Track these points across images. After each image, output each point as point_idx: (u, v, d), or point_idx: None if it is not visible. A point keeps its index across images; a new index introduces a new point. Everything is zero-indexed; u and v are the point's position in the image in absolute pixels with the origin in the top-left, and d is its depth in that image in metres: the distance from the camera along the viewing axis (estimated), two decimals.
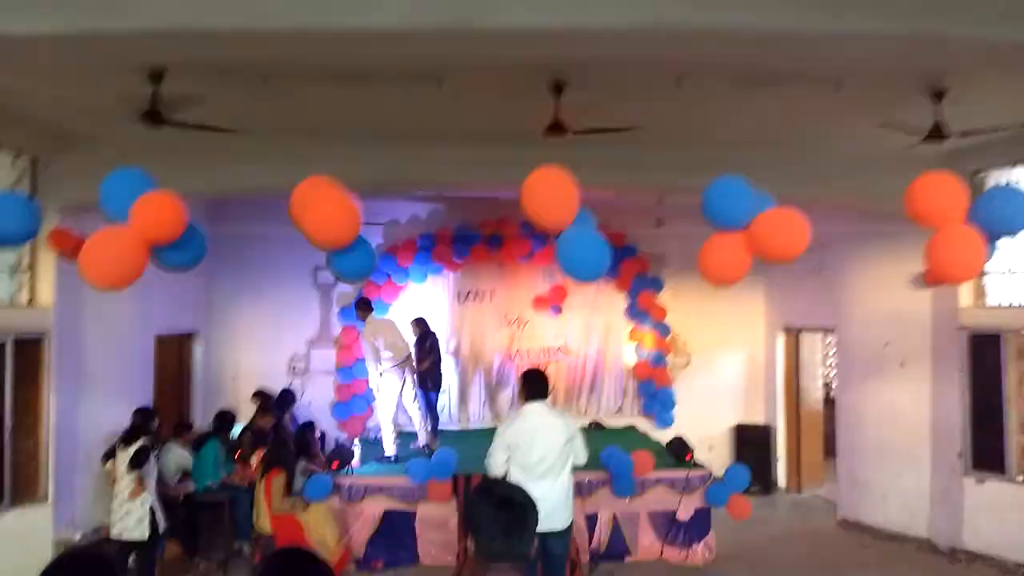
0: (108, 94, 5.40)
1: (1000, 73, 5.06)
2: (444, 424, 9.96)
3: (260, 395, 8.92)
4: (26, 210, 4.22)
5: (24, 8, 3.90)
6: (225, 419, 8.36)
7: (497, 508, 2.35)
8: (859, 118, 6.25)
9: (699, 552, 7.71)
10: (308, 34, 4.12)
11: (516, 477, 5.04)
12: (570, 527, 5.32)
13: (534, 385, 5.29)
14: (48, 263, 6.98)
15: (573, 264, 4.00)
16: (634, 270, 10.88)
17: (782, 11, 3.92)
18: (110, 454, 6.85)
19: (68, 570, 2.04)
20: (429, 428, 9.04)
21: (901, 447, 8.54)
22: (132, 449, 6.53)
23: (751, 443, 10.80)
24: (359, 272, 4.55)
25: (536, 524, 2.39)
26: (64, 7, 3.88)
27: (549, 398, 5.41)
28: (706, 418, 10.88)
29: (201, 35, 4.07)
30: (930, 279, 8.14)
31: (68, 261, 7.08)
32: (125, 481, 6.48)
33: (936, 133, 5.52)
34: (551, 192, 3.88)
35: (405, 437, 8.92)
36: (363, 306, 8.90)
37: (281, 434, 8.42)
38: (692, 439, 8.67)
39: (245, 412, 8.76)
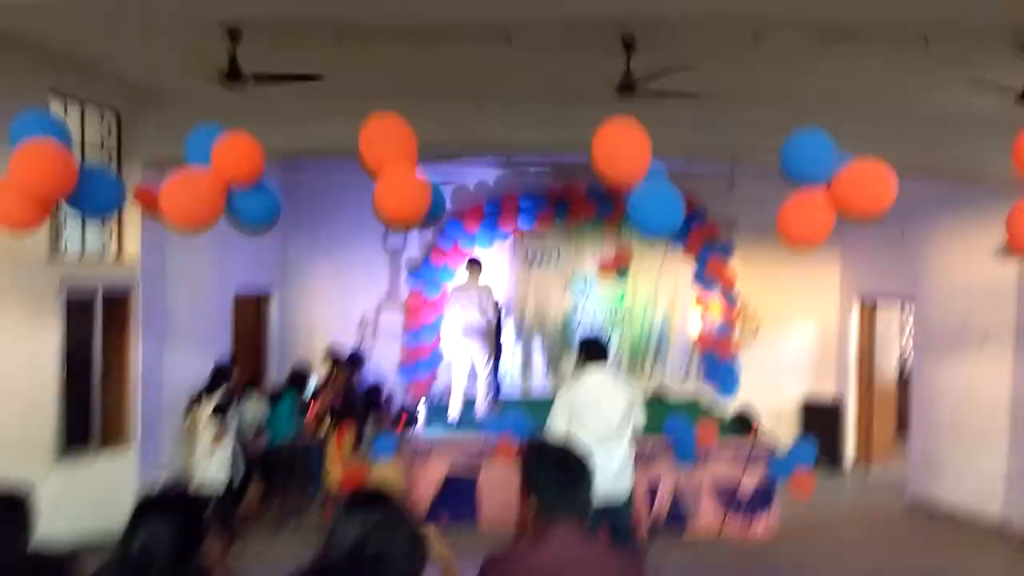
0: (190, 52, 5.59)
1: None
2: (506, 393, 10.08)
3: (331, 355, 9.18)
4: (112, 185, 4.39)
5: None
6: (300, 376, 8.66)
7: (552, 466, 2.40)
8: (947, 77, 5.96)
9: (761, 525, 7.65)
10: None
11: (579, 439, 5.08)
12: (632, 496, 5.34)
13: (593, 349, 5.30)
14: (134, 219, 7.27)
15: (645, 216, 3.85)
16: (703, 235, 10.62)
17: None
18: (194, 403, 7.20)
19: (161, 505, 2.16)
20: (490, 396, 9.20)
21: (978, 426, 8.23)
22: (215, 399, 6.85)
23: (820, 416, 10.57)
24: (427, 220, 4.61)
25: (592, 479, 2.42)
26: None
27: (610, 363, 5.39)
28: (773, 389, 10.66)
29: None
30: (1017, 249, 7.79)
31: (153, 217, 7.43)
32: (208, 430, 6.81)
33: None
34: (623, 144, 3.82)
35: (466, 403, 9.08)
36: (473, 265, 8.99)
37: (351, 393, 8.68)
38: (759, 410, 8.54)
39: (316, 370, 9.04)
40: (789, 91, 6.67)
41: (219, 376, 7.17)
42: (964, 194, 8.02)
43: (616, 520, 5.18)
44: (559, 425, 5.16)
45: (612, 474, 5.02)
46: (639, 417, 5.30)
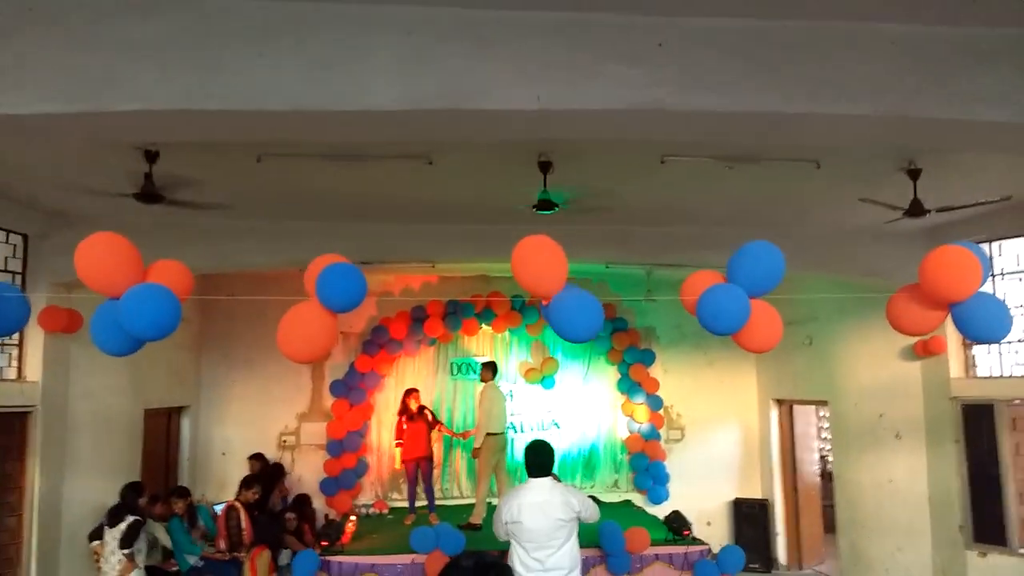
0: (103, 173, 5.52)
1: (974, 151, 5.22)
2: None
3: (257, 458, 8.76)
4: (18, 303, 4.19)
5: (25, 88, 4.01)
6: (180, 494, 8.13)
7: (473, 574, 2.37)
8: (840, 194, 6.40)
9: None
10: (303, 115, 4.23)
11: (517, 551, 4.93)
12: None
13: (537, 459, 5.07)
14: (37, 338, 6.97)
15: (564, 323, 3.87)
16: (626, 343, 10.88)
17: (761, 94, 4.06)
18: (97, 532, 6.72)
19: None
20: (428, 504, 8.96)
21: (901, 520, 8.41)
22: (121, 527, 6.42)
23: (749, 518, 10.61)
24: None
25: None
26: (64, 88, 3.98)
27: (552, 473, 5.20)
28: (703, 492, 10.74)
29: (198, 116, 4.17)
30: (918, 349, 8.20)
31: (59, 334, 7.12)
32: (114, 559, 6.34)
33: (914, 209, 5.64)
34: (540, 259, 3.94)
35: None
36: (488, 368, 8.83)
37: (267, 510, 8.27)
38: (690, 514, 8.53)
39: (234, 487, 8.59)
40: (697, 207, 7.01)
41: (126, 500, 6.74)
42: (865, 300, 8.48)
43: None
44: (500, 532, 5.03)
45: None
46: (591, 516, 5.11)
